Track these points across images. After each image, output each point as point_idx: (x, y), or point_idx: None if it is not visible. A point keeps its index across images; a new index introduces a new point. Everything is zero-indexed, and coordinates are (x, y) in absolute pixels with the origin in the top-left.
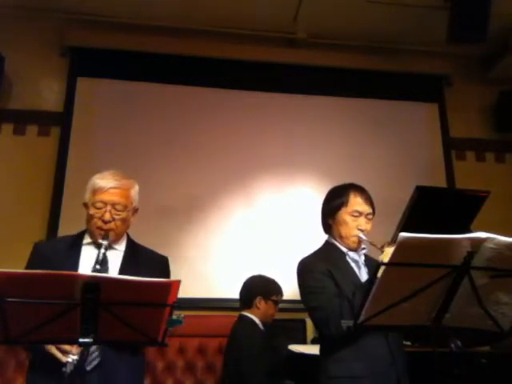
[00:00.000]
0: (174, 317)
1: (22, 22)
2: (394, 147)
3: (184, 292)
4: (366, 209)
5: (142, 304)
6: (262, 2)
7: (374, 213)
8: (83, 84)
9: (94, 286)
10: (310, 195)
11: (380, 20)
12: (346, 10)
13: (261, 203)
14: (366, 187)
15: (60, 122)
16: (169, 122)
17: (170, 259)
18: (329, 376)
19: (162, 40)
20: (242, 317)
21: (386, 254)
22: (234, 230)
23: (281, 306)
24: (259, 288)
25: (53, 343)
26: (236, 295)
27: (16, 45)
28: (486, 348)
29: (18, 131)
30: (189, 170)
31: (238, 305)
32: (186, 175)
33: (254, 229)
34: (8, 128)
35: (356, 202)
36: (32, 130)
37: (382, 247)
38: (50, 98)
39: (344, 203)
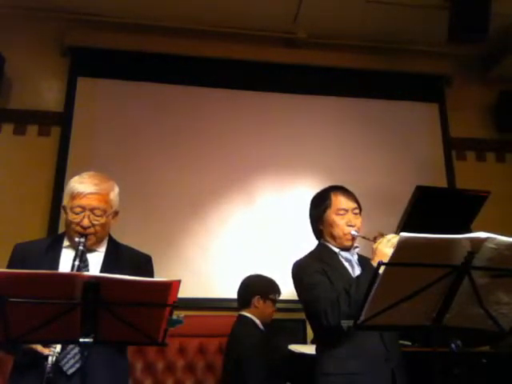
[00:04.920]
0: (174, 317)
1: (22, 22)
2: (394, 147)
3: (184, 292)
4: (351, 205)
5: (142, 304)
6: (262, 2)
7: (360, 208)
8: (83, 84)
9: (95, 285)
10: (310, 195)
11: (380, 20)
12: (345, 10)
13: (261, 203)
14: (367, 187)
15: (60, 121)
16: (169, 122)
17: (169, 259)
18: (324, 373)
19: (162, 40)
20: (241, 317)
21: (382, 255)
22: (234, 230)
23: (281, 305)
24: (257, 287)
25: (53, 343)
26: (236, 295)
27: (16, 45)
28: (486, 348)
29: (18, 131)
30: (189, 169)
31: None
32: (186, 175)
33: (254, 229)
34: (8, 128)
35: (338, 201)
36: (32, 129)
37: (375, 238)
38: (50, 98)
39: (328, 205)
